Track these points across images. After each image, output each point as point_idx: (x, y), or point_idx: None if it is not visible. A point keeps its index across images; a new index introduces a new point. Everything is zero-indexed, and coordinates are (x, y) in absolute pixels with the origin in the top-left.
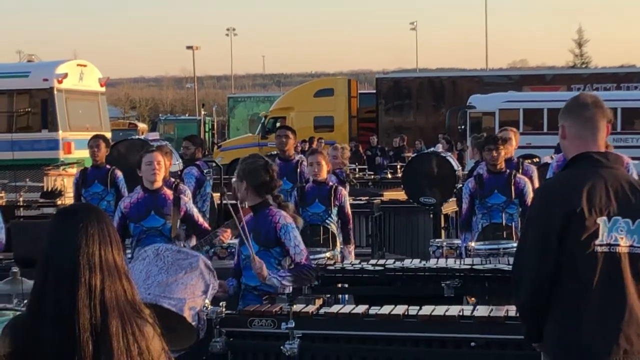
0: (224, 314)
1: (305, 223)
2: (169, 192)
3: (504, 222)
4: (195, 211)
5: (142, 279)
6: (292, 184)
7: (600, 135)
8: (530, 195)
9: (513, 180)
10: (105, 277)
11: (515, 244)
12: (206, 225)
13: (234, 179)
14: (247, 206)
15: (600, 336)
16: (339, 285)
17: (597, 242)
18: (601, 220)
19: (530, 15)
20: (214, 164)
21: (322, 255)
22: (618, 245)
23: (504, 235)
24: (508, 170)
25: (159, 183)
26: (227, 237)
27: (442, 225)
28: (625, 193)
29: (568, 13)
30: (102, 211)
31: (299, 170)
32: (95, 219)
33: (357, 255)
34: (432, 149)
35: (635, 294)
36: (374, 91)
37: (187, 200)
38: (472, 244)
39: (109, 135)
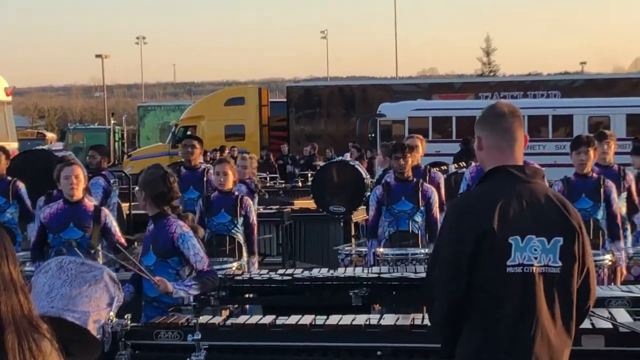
0: (129, 327)
1: (211, 233)
2: (89, 204)
3: (410, 229)
4: (114, 225)
5: (46, 292)
6: (198, 192)
7: (518, 146)
8: (436, 205)
9: (420, 189)
10: (1, 291)
11: (422, 251)
12: (123, 240)
13: (136, 189)
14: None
15: (513, 358)
16: (247, 295)
17: (509, 262)
18: (513, 240)
19: (439, 24)
20: (123, 174)
21: (229, 265)
22: (532, 265)
23: (410, 243)
24: (415, 179)
25: (78, 196)
26: None
27: (353, 233)
28: (542, 210)
29: (476, 22)
30: None
31: (205, 179)
32: None
33: (267, 265)
34: (341, 157)
35: (548, 316)
36: (285, 100)
37: (107, 213)
38: (381, 249)
39: (15, 145)
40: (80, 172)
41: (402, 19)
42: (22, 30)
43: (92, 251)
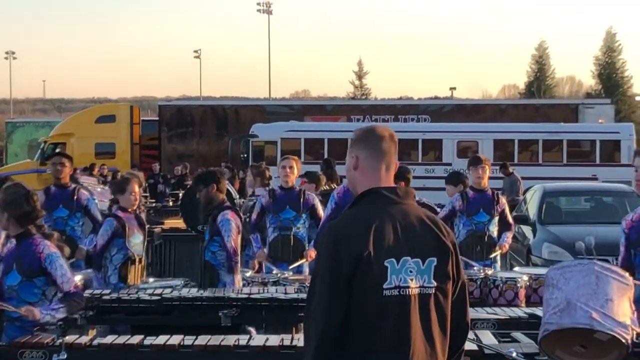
0: None
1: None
2: None
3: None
4: None
5: None
6: (68, 211)
7: (392, 170)
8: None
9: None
10: None
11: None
12: None
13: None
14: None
15: None
16: (115, 315)
17: (386, 285)
18: (389, 262)
19: (313, 46)
20: None
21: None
22: (408, 287)
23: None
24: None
25: None
26: None
27: None
28: (416, 231)
29: (349, 45)
30: None
31: (75, 197)
32: None
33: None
34: None
35: (424, 338)
36: (157, 118)
37: None
38: (248, 273)
39: None
40: None
41: (275, 40)
42: None
43: None
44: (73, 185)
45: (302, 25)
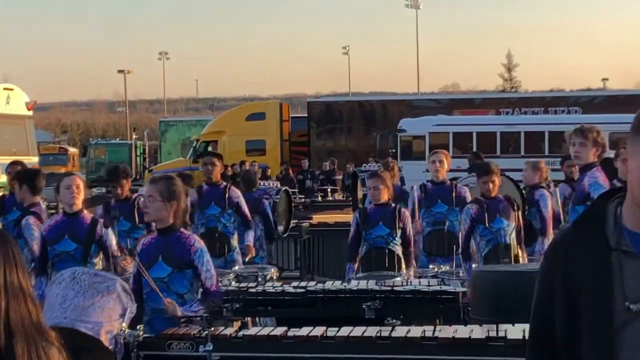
0: (141, 338)
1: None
2: (87, 216)
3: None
4: (110, 237)
5: (59, 303)
6: (220, 208)
7: None
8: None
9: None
10: (11, 298)
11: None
12: (119, 253)
13: (141, 200)
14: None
15: None
16: (261, 307)
17: None
18: None
19: (461, 39)
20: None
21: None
22: None
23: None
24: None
25: (78, 206)
26: (127, 264)
27: None
28: None
29: (499, 37)
30: (6, 233)
31: (227, 195)
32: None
33: (285, 279)
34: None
35: None
36: (306, 115)
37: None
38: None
39: (36, 159)
40: (80, 182)
41: (424, 35)
42: (46, 46)
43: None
44: (224, 184)
45: (450, 19)
